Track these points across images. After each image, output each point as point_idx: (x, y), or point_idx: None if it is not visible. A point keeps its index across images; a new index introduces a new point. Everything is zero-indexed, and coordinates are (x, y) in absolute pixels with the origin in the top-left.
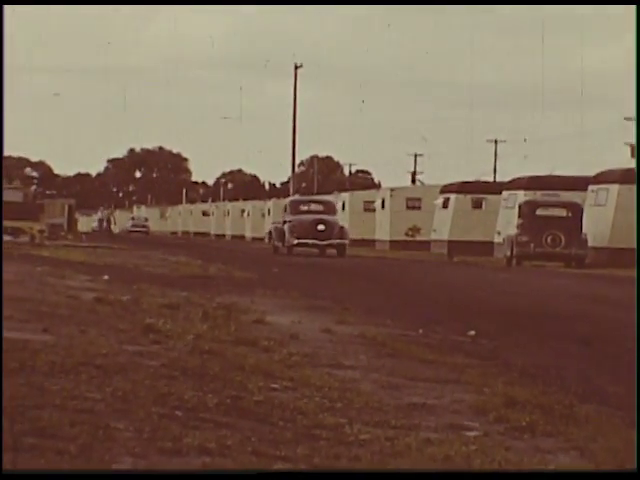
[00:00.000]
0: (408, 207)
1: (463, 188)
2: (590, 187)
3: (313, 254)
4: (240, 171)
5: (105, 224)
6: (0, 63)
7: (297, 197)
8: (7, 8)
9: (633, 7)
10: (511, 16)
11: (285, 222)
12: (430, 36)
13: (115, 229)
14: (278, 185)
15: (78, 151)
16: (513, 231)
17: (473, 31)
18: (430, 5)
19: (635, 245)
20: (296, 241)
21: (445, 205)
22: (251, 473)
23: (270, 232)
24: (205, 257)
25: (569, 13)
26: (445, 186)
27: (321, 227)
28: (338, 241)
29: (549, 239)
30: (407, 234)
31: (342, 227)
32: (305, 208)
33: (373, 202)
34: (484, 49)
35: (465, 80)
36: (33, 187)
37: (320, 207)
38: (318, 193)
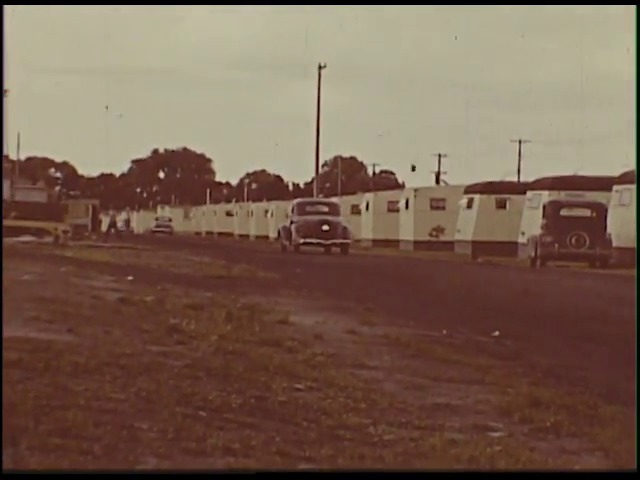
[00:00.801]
0: (432, 207)
1: (487, 188)
2: (614, 187)
3: (335, 254)
4: (264, 171)
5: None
6: (0, 63)
7: (303, 199)
8: (37, 8)
9: (633, 7)
10: (538, 16)
11: (292, 222)
12: (454, 35)
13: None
14: (302, 185)
15: (102, 152)
16: (537, 231)
17: (499, 30)
18: (448, 5)
19: None
20: (302, 240)
21: (469, 205)
22: (251, 473)
23: (279, 232)
24: (229, 257)
25: (600, 13)
26: (469, 186)
27: (325, 227)
28: (341, 240)
29: (573, 239)
30: (431, 234)
31: (345, 227)
32: (311, 209)
33: (397, 202)
34: (509, 49)
35: (490, 80)
36: (57, 188)
37: (325, 208)
38: (342, 193)
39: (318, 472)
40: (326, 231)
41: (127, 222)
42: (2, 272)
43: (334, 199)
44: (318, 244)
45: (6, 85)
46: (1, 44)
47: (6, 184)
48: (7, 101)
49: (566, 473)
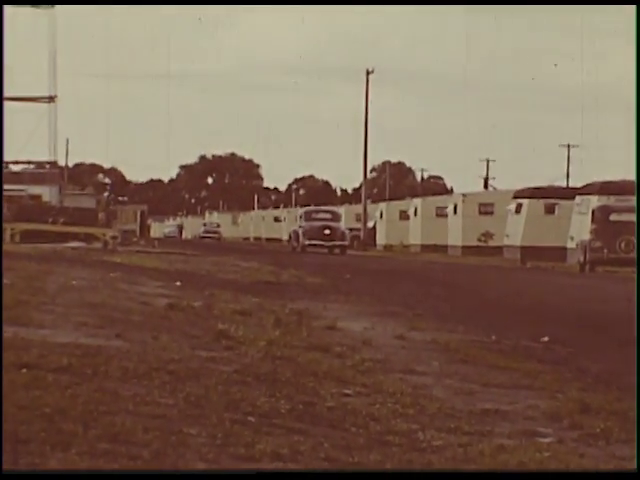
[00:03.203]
0: (480, 212)
1: (536, 193)
2: None
3: (382, 260)
4: (312, 177)
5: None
6: (0, 63)
7: (310, 207)
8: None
9: (633, 7)
10: (591, 17)
11: (300, 227)
12: (503, 37)
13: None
14: (350, 191)
15: (150, 157)
16: (586, 236)
17: (549, 33)
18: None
19: None
20: (308, 242)
21: (518, 210)
22: (251, 473)
23: (290, 235)
24: (277, 263)
25: None
26: (518, 191)
27: (327, 231)
28: (340, 242)
29: (623, 244)
30: (479, 240)
31: (344, 231)
32: (315, 216)
33: (445, 208)
34: (563, 52)
35: (540, 83)
36: (106, 193)
37: (328, 215)
38: (390, 199)
39: (318, 472)
40: (328, 234)
41: (179, 228)
42: (2, 273)
43: (335, 208)
44: (321, 245)
45: (55, 91)
46: (1, 44)
47: (55, 190)
48: (55, 107)
49: (566, 473)
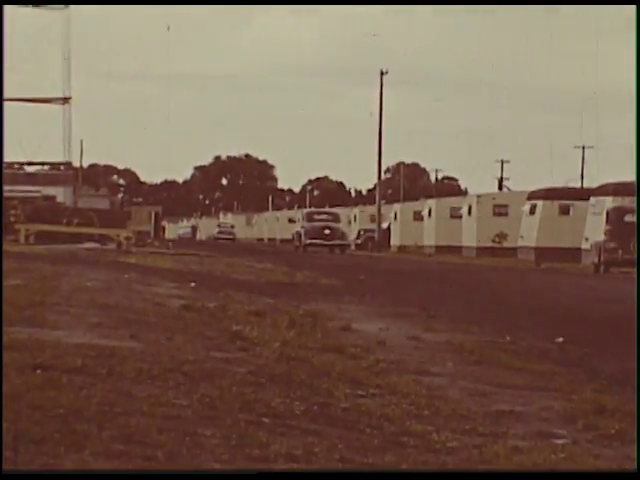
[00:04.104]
0: (495, 214)
1: (550, 194)
2: None
3: (399, 261)
4: (326, 178)
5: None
6: (0, 63)
7: (311, 209)
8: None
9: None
10: (606, 18)
11: (302, 227)
12: (518, 39)
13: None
14: (364, 192)
15: (165, 158)
16: (601, 237)
17: (563, 35)
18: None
19: None
20: (309, 241)
21: (532, 211)
22: (251, 473)
23: (293, 235)
24: (291, 264)
25: None
26: (532, 192)
27: (327, 231)
28: (340, 242)
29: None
30: (494, 241)
31: (343, 232)
32: (317, 217)
33: (459, 209)
34: (573, 53)
35: (554, 84)
36: (120, 195)
37: (328, 217)
38: (404, 200)
39: (318, 472)
40: (327, 234)
41: (194, 229)
42: (2, 274)
43: (335, 209)
44: (321, 244)
45: (69, 92)
46: (1, 44)
47: (69, 191)
48: (70, 108)
49: (566, 473)
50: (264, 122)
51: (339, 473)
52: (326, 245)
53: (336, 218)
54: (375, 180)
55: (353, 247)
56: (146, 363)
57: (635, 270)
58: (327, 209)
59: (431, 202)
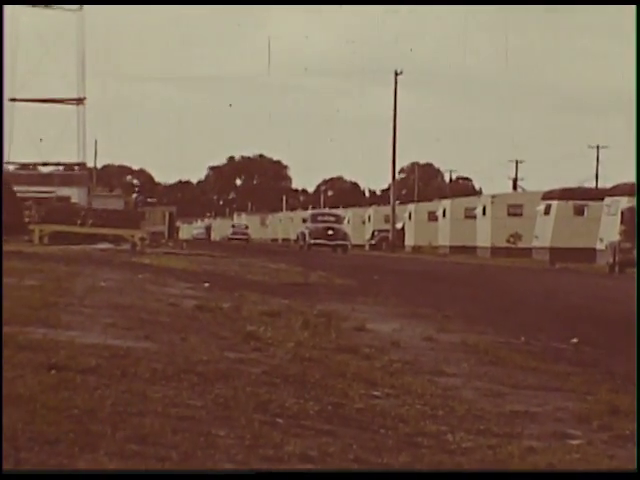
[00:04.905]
0: (509, 214)
1: (565, 195)
2: None
3: (414, 262)
4: (340, 178)
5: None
6: (0, 63)
7: (315, 211)
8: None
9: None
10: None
11: (306, 228)
12: (532, 39)
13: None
14: (378, 192)
15: (179, 159)
16: (616, 238)
17: (577, 35)
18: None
19: None
20: (313, 241)
21: (547, 212)
22: (251, 473)
23: (297, 235)
24: (305, 264)
25: None
26: (547, 193)
27: (330, 232)
28: (342, 242)
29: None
30: (508, 241)
31: (345, 232)
32: (320, 219)
33: (474, 209)
34: (587, 53)
35: (569, 85)
36: (134, 195)
37: (331, 218)
38: (418, 200)
39: (318, 472)
40: (331, 235)
41: (208, 229)
42: (2, 275)
43: (338, 211)
44: (324, 244)
45: (84, 93)
46: (1, 44)
47: (84, 192)
48: (84, 109)
49: (566, 473)
50: (278, 122)
51: (339, 473)
52: (329, 245)
53: (339, 220)
54: (389, 180)
55: (367, 247)
56: (160, 363)
57: None
58: (330, 211)
59: (445, 202)
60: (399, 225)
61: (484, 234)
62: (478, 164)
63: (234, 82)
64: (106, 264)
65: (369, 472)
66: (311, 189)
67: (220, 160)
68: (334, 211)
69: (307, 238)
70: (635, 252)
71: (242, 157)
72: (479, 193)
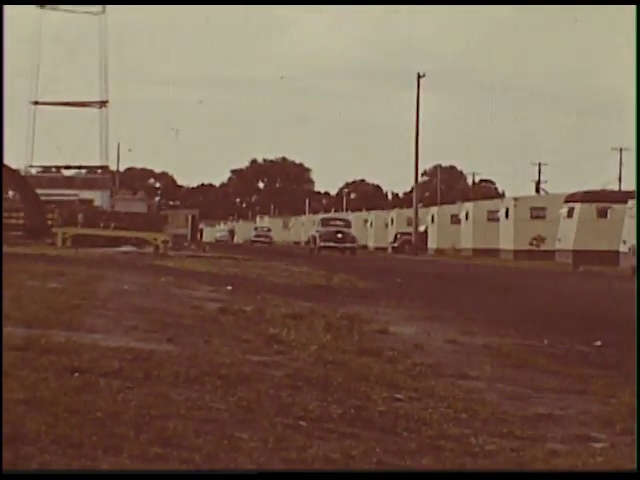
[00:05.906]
0: (532, 217)
1: (588, 197)
2: None
3: (438, 262)
4: (363, 181)
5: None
6: (0, 63)
7: (326, 215)
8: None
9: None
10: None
11: (317, 231)
12: (552, 42)
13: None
14: (401, 195)
15: (201, 162)
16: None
17: (598, 37)
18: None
19: None
20: (323, 244)
21: (570, 214)
22: (251, 473)
23: (308, 238)
24: (328, 267)
25: None
26: (570, 195)
27: (339, 235)
28: (350, 245)
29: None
30: (531, 244)
31: (353, 236)
32: (331, 223)
33: (497, 212)
34: (609, 55)
35: (593, 87)
36: (157, 198)
37: (341, 222)
38: (441, 203)
39: (318, 472)
40: (340, 238)
41: (231, 232)
42: (2, 275)
43: (347, 216)
44: (334, 247)
45: (106, 96)
46: (1, 44)
47: (106, 195)
48: (107, 112)
49: (566, 473)
50: (301, 125)
51: (339, 473)
52: (338, 248)
53: (348, 224)
54: (412, 183)
55: (390, 250)
56: (183, 366)
57: None
58: (340, 215)
59: (468, 205)
60: (422, 228)
61: (507, 237)
62: (501, 167)
63: (257, 85)
64: (129, 267)
65: (365, 472)
66: (334, 192)
67: (243, 163)
68: (343, 216)
69: (317, 241)
70: None
71: (264, 160)
72: (502, 196)
